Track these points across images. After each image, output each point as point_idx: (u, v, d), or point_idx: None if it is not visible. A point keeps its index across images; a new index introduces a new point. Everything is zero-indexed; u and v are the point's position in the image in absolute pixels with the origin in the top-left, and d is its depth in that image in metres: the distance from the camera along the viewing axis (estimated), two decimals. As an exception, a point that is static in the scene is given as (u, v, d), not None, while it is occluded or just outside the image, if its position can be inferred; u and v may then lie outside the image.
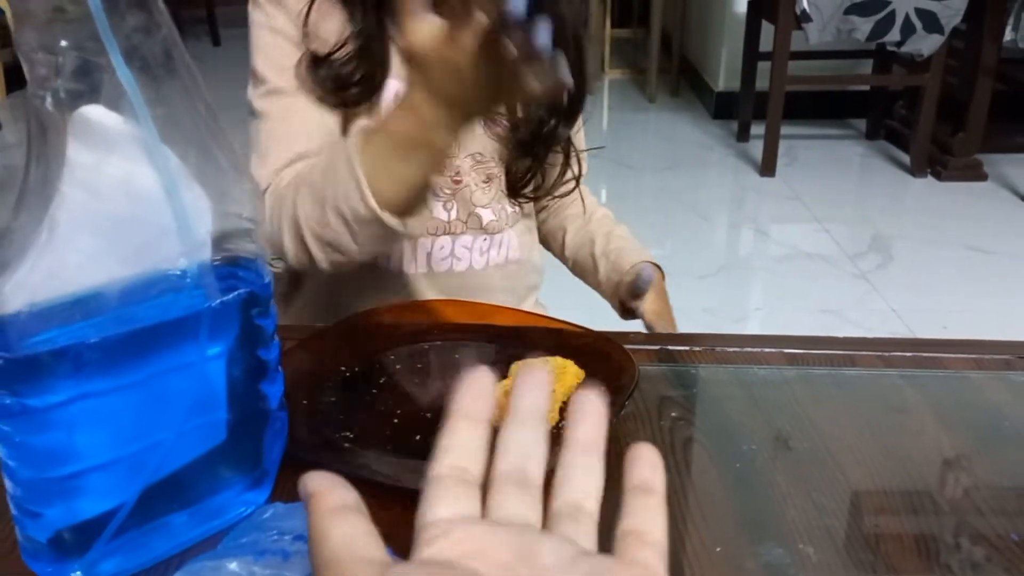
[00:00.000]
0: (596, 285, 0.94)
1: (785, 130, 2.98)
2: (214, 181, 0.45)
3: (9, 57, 3.58)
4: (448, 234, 0.82)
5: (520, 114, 0.81)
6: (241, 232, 0.46)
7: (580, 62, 0.79)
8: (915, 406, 0.59)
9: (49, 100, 0.38)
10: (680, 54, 4.25)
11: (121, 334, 0.41)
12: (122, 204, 0.42)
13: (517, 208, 0.86)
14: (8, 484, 0.41)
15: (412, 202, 0.63)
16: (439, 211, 0.81)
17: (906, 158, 3.11)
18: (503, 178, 0.84)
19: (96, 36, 0.38)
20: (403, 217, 0.63)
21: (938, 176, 2.98)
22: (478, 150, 0.82)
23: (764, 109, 2.95)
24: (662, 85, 4.12)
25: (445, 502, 0.28)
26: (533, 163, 0.83)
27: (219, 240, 0.45)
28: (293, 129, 0.74)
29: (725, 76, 3.64)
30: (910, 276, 2.29)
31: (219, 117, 0.45)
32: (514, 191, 0.85)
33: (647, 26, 4.15)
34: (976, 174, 2.96)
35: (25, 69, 0.38)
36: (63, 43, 0.38)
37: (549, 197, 0.88)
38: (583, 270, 0.95)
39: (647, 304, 0.85)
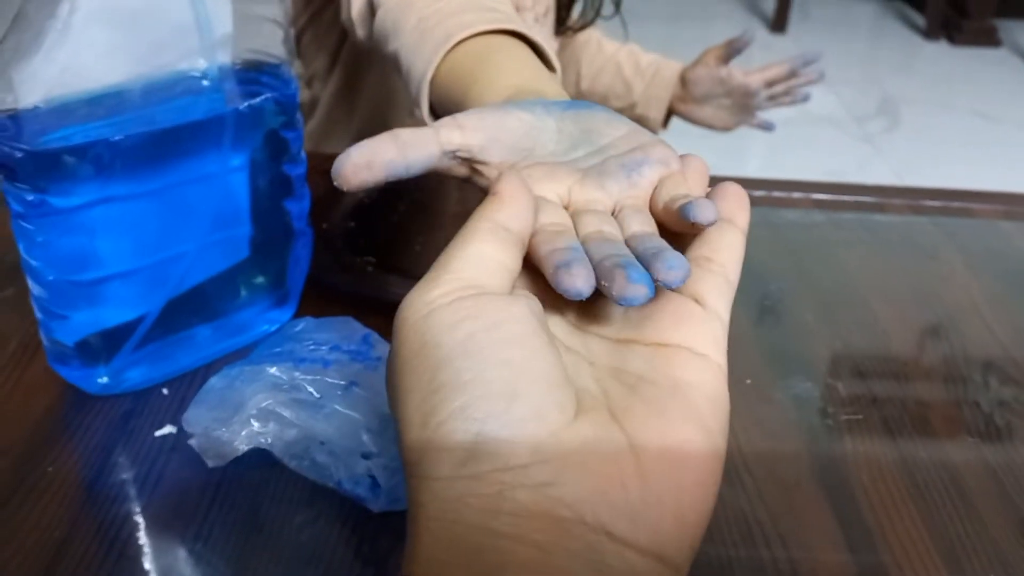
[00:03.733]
0: (628, 107, 0.91)
1: (799, -16, 2.86)
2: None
3: None
4: None
5: None
6: (266, 35, 0.43)
7: None
8: (945, 252, 0.58)
9: None
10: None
11: (141, 135, 0.38)
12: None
13: (559, 45, 0.83)
14: (32, 286, 0.39)
15: None
16: None
17: (921, 19, 3.00)
18: (553, 11, 0.80)
19: None
20: None
21: (951, 40, 2.89)
22: None
23: (779, -40, 2.82)
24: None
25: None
26: None
27: (242, 42, 0.42)
28: None
29: (740, -77, 3.45)
30: (915, 141, 2.26)
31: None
32: (562, 22, 0.81)
33: None
34: (990, 39, 2.87)
35: None
36: None
37: (594, 19, 0.84)
38: (607, 95, 0.92)
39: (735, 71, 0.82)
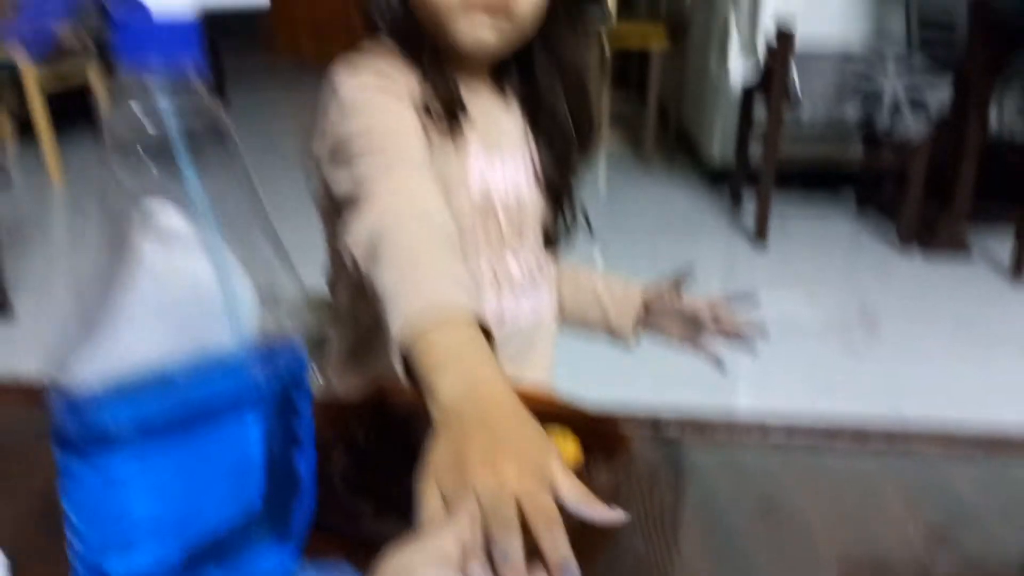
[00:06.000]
0: (604, 324, 1.01)
1: (777, 200, 3.07)
2: (260, 270, 0.51)
3: (18, 108, 3.67)
4: (518, 292, 0.88)
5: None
6: (282, 317, 0.52)
7: (586, 103, 0.89)
8: (887, 490, 0.64)
9: (124, 198, 0.44)
10: (676, 121, 4.37)
11: (176, 410, 0.46)
12: (182, 293, 0.47)
13: (549, 262, 0.93)
14: (71, 539, 0.45)
15: None
16: (513, 268, 0.87)
17: (895, 232, 3.19)
18: (540, 232, 0.91)
19: (171, 150, 0.43)
20: None
21: (925, 250, 3.06)
22: (533, 200, 0.89)
23: (757, 179, 3.04)
24: (658, 150, 4.23)
25: None
26: (562, 204, 0.91)
27: (262, 324, 0.51)
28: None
29: (720, 145, 3.74)
30: (897, 353, 2.35)
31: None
32: (548, 240, 0.93)
33: (645, 92, 4.28)
34: (962, 249, 3.04)
35: (105, 170, 0.44)
36: (143, 154, 0.43)
37: (567, 241, 0.95)
38: (586, 316, 1.02)
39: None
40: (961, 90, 2.84)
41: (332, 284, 0.93)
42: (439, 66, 0.81)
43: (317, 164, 0.82)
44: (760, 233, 3.07)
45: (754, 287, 2.79)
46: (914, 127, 2.88)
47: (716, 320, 0.94)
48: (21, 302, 2.31)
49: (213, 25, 0.52)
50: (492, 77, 0.88)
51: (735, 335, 0.95)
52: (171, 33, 0.40)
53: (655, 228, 3.31)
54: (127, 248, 0.45)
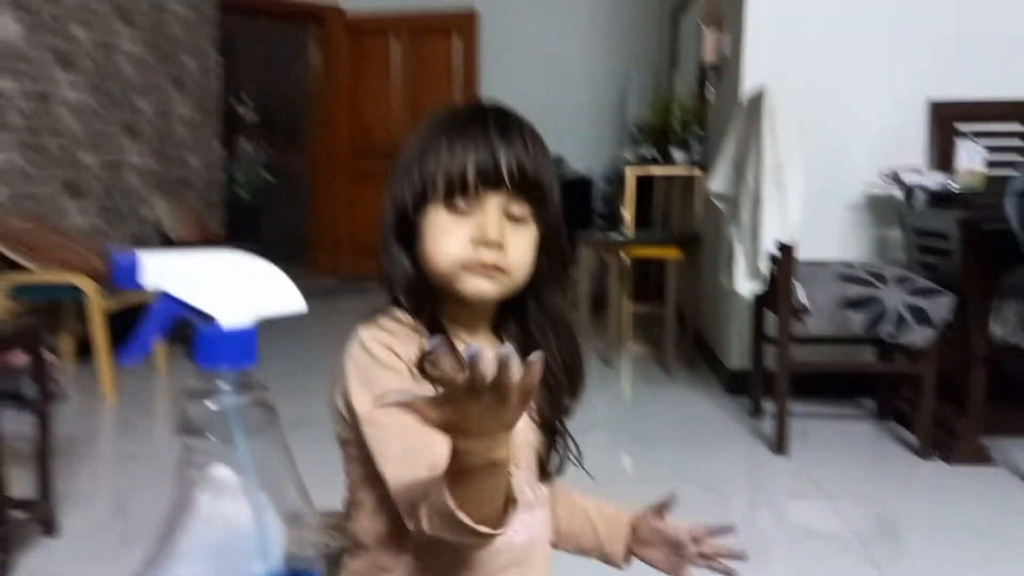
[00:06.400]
0: (596, 546, 1.10)
1: (797, 407, 3.14)
2: (287, 510, 0.62)
3: (80, 331, 3.95)
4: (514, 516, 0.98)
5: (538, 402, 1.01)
6: (305, 549, 0.63)
7: (575, 348, 1.02)
8: None
9: (193, 469, 0.57)
10: (695, 330, 4.54)
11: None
12: (225, 533, 0.59)
13: (544, 490, 1.03)
14: None
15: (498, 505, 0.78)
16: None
17: (914, 439, 3.22)
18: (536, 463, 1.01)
19: (229, 425, 0.57)
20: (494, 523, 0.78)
21: (946, 459, 3.08)
22: (527, 433, 1.00)
23: (774, 387, 3.14)
24: (679, 356, 4.37)
25: None
26: (556, 437, 1.02)
27: (288, 555, 0.62)
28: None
29: (737, 354, 3.88)
30: (920, 563, 2.34)
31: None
32: (544, 470, 1.02)
33: (664, 302, 4.49)
34: (983, 458, 3.05)
35: (180, 447, 0.57)
36: (206, 430, 0.57)
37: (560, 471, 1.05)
38: (580, 537, 1.12)
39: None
40: (961, 305, 2.98)
41: (347, 510, 1.03)
42: (443, 330, 0.96)
43: (343, 408, 0.95)
44: (779, 443, 3.12)
45: (775, 496, 2.82)
46: (920, 336, 3.00)
47: (697, 546, 1.02)
48: (67, 518, 2.41)
49: (266, 252, 0.66)
50: (491, 326, 1.03)
51: (715, 562, 1.03)
52: (236, 341, 0.55)
53: (677, 435, 3.38)
54: (187, 499, 0.58)
